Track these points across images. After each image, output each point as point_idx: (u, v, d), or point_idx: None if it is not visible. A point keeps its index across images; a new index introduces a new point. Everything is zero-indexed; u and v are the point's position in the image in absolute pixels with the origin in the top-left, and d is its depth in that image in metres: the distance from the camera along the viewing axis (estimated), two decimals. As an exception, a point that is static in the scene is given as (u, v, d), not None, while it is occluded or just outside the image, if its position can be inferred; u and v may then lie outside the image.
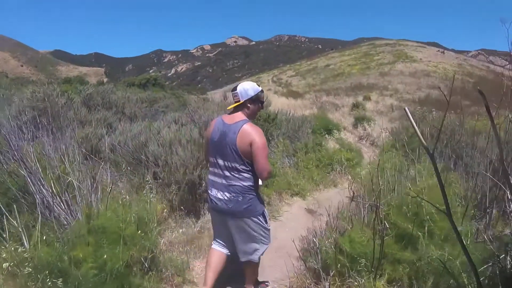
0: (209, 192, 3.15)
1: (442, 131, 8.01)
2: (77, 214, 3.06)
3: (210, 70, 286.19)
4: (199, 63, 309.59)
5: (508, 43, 2.20)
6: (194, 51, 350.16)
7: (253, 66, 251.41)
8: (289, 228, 4.96)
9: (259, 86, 3.19)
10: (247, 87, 3.07)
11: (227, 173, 2.99)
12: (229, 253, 3.34)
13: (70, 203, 3.14)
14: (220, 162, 3.02)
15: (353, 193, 4.88)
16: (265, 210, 3.23)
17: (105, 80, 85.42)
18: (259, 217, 3.11)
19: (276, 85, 48.29)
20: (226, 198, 3.00)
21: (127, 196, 3.79)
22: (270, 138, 8.19)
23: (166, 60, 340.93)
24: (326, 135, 10.60)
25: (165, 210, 4.62)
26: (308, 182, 7.27)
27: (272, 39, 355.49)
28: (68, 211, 3.06)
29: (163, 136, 5.52)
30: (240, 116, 3.04)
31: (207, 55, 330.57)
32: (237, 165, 2.95)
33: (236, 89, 3.07)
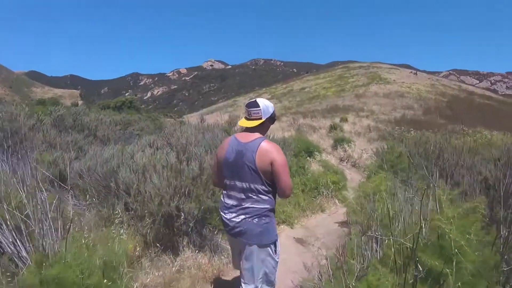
0: (224, 215, 2.96)
1: (430, 150, 7.89)
2: (27, 259, 2.47)
3: (186, 94, 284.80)
4: (175, 86, 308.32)
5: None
6: (171, 74, 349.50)
7: (229, 90, 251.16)
8: (280, 262, 4.45)
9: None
10: (268, 104, 2.91)
11: (244, 196, 2.83)
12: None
13: (20, 244, 2.56)
14: (238, 184, 2.84)
15: (349, 222, 4.46)
16: (277, 240, 3.00)
17: (80, 102, 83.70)
18: (271, 246, 2.90)
19: None
20: (241, 220, 2.83)
21: (92, 234, 3.18)
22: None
23: (142, 83, 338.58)
24: (308, 158, 10.22)
25: (138, 247, 4.04)
26: (294, 209, 6.82)
27: (248, 63, 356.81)
28: (18, 255, 2.47)
29: (136, 161, 4.95)
30: (256, 134, 2.85)
31: (183, 78, 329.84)
32: (256, 186, 2.78)
33: (258, 105, 2.85)
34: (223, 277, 4.17)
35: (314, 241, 5.59)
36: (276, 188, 2.85)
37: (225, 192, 2.99)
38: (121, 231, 3.88)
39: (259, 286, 2.94)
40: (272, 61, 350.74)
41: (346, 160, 13.72)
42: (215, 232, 4.75)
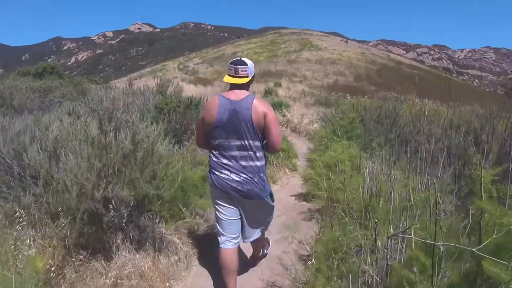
0: (220, 174, 2.87)
1: (384, 116, 7.38)
2: None
3: (113, 58, 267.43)
4: (101, 50, 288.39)
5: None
6: (96, 38, 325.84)
7: (158, 54, 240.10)
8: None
9: None
10: (252, 63, 2.92)
11: (243, 153, 2.82)
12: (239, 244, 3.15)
13: None
14: (235, 142, 2.81)
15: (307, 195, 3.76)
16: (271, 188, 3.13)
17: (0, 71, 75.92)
18: (268, 197, 3.04)
19: (182, 72, 46.80)
20: (241, 179, 2.83)
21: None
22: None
23: (65, 48, 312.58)
24: None
25: (56, 256, 2.88)
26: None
27: (177, 26, 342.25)
28: None
29: (47, 135, 3.64)
30: (245, 91, 2.85)
31: (109, 42, 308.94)
32: (254, 143, 2.80)
33: (246, 63, 2.84)
34: (175, 286, 3.28)
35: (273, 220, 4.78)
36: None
37: (217, 152, 2.91)
38: (25, 233, 2.71)
39: (262, 229, 3.23)
40: (203, 25, 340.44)
41: (285, 125, 13.05)
42: (157, 221, 3.66)
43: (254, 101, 2.76)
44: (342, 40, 71.78)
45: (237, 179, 2.82)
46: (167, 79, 14.64)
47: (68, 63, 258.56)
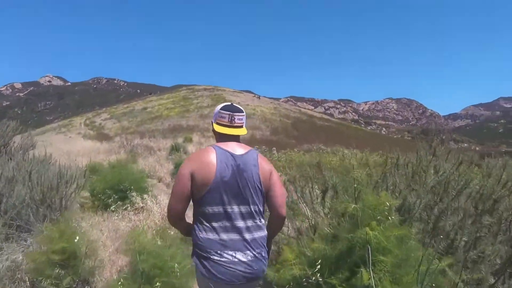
0: (219, 259, 2.13)
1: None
2: None
3: (19, 112, 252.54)
4: (8, 102, 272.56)
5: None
6: (3, 89, 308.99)
7: (66, 108, 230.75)
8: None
9: None
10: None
11: (248, 223, 2.22)
12: None
13: None
14: (240, 208, 2.21)
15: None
16: None
17: None
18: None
19: (88, 128, 44.11)
20: (250, 258, 2.18)
21: None
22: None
23: None
24: (113, 207, 6.11)
25: None
26: None
27: (89, 81, 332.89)
28: None
29: None
30: (244, 144, 2.36)
31: (17, 94, 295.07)
32: (260, 208, 2.27)
33: (242, 110, 2.41)
34: None
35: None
36: None
37: (212, 224, 2.19)
38: None
39: None
40: (116, 81, 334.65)
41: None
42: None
43: (259, 156, 2.32)
44: (255, 96, 72.38)
45: (244, 259, 2.16)
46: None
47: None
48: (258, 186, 2.24)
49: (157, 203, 6.00)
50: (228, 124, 2.33)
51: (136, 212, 5.82)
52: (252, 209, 2.23)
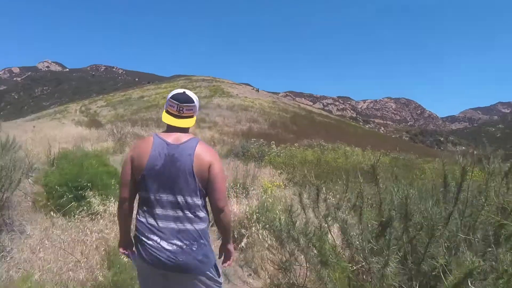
0: (146, 241, 2.20)
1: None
2: None
3: (16, 96, 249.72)
4: (5, 87, 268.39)
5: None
6: (1, 73, 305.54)
7: (64, 95, 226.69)
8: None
9: None
10: (197, 97, 2.39)
11: (179, 213, 2.21)
12: None
13: None
14: (168, 197, 2.21)
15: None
16: (217, 259, 2.41)
17: None
18: (211, 270, 2.31)
19: (83, 115, 43.64)
20: (175, 248, 2.17)
21: None
22: None
23: None
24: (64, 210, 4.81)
25: None
26: None
27: (87, 67, 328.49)
28: None
29: None
30: (188, 133, 2.31)
31: (14, 78, 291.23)
32: (193, 200, 2.22)
33: (192, 100, 2.32)
34: None
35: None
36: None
37: (145, 209, 2.26)
38: None
39: None
40: (114, 69, 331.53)
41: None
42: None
43: (198, 146, 2.24)
44: (253, 89, 71.41)
45: (168, 247, 2.17)
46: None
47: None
48: (190, 177, 2.19)
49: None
50: (176, 114, 2.29)
51: (93, 218, 4.51)
52: (185, 200, 2.20)
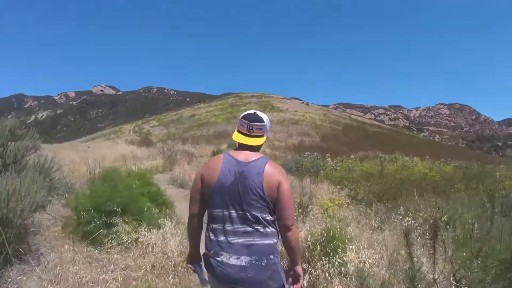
0: (216, 259, 2.19)
1: None
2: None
3: (72, 119, 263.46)
4: (62, 110, 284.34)
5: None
6: (58, 97, 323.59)
7: (118, 116, 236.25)
8: None
9: None
10: (267, 118, 2.43)
11: (247, 228, 2.18)
12: None
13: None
14: (238, 213, 2.20)
15: None
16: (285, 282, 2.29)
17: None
18: None
19: (136, 135, 44.90)
20: (244, 264, 2.13)
21: None
22: None
23: (27, 105, 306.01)
24: (94, 237, 4.14)
25: None
26: None
27: (140, 90, 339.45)
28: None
29: None
30: (257, 153, 2.34)
31: (70, 102, 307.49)
32: (263, 216, 2.20)
33: (262, 120, 2.36)
34: None
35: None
36: None
37: (214, 226, 2.26)
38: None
39: None
40: (166, 90, 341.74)
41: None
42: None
43: (267, 165, 2.26)
44: (303, 102, 70.97)
45: (237, 263, 2.14)
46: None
47: (28, 121, 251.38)
48: (259, 194, 2.19)
49: (163, 237, 4.05)
50: (246, 132, 2.34)
51: (126, 247, 3.88)
52: (254, 215, 2.18)
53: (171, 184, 11.15)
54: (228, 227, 2.19)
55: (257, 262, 2.13)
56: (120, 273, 3.16)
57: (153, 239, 3.99)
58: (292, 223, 2.22)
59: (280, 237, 2.27)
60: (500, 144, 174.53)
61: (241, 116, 2.38)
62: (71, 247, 3.54)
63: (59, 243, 3.69)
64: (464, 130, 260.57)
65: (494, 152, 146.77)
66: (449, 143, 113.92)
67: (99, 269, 3.36)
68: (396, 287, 2.97)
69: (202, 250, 2.36)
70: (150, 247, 3.89)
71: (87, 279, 3.15)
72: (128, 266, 3.26)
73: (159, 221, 4.48)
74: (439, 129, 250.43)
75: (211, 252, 2.22)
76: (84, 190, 4.93)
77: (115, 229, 3.98)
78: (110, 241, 3.96)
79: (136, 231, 4.07)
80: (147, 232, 4.09)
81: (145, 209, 4.46)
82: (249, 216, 2.17)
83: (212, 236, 2.24)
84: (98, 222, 3.97)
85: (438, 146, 51.35)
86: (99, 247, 3.87)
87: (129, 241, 3.91)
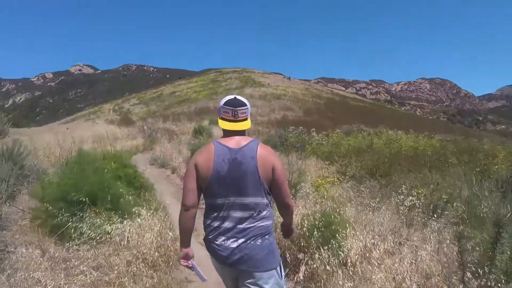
0: (216, 242, 2.27)
1: None
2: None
3: (51, 101, 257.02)
4: (40, 92, 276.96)
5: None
6: (35, 79, 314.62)
7: (97, 96, 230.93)
8: None
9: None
10: (247, 101, 2.43)
11: (246, 214, 2.25)
12: None
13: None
14: (236, 200, 2.25)
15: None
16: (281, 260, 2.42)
17: None
18: (277, 269, 2.31)
19: (116, 114, 44.00)
20: (238, 244, 2.21)
21: None
22: None
23: (4, 89, 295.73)
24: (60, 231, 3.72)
25: None
26: None
27: (119, 68, 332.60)
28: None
29: None
30: (246, 137, 2.36)
31: (48, 84, 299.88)
32: (260, 200, 2.27)
33: (245, 104, 2.36)
34: None
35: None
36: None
37: (212, 214, 2.30)
38: None
39: None
40: (145, 67, 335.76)
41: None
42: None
43: (259, 148, 2.28)
44: (285, 77, 70.38)
45: (233, 245, 2.22)
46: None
47: (6, 105, 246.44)
48: (256, 178, 2.23)
49: (141, 228, 3.58)
50: (231, 118, 2.33)
51: (98, 243, 3.40)
52: (252, 201, 2.24)
53: (151, 165, 10.78)
54: (226, 213, 2.24)
55: (251, 242, 2.19)
56: (89, 277, 2.76)
57: (127, 231, 3.57)
58: (290, 200, 2.34)
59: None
60: (480, 118, 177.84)
61: (222, 103, 2.35)
62: (38, 245, 3.10)
63: (27, 238, 3.27)
64: (445, 104, 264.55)
65: (475, 126, 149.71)
66: (430, 117, 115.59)
67: (66, 272, 2.89)
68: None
69: (193, 244, 2.36)
70: (125, 241, 3.46)
71: (50, 287, 2.68)
72: (100, 265, 2.86)
73: (133, 209, 4.01)
74: (420, 103, 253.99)
75: (210, 237, 2.28)
76: (54, 177, 4.45)
77: (83, 223, 3.47)
78: (78, 236, 3.47)
79: (109, 223, 3.61)
80: (120, 224, 3.65)
81: (120, 197, 3.96)
82: (248, 202, 2.22)
83: (210, 222, 2.29)
84: (65, 215, 3.51)
85: (421, 120, 52.01)
86: (67, 243, 3.41)
87: (100, 236, 3.46)
